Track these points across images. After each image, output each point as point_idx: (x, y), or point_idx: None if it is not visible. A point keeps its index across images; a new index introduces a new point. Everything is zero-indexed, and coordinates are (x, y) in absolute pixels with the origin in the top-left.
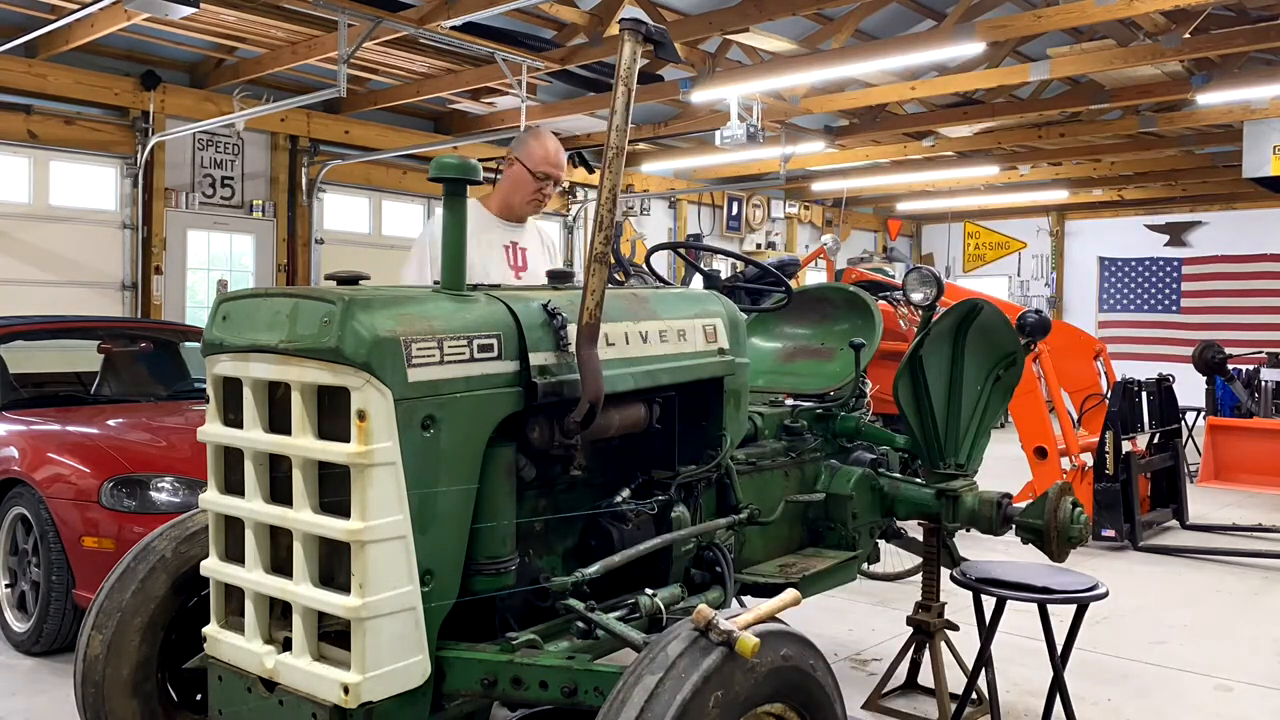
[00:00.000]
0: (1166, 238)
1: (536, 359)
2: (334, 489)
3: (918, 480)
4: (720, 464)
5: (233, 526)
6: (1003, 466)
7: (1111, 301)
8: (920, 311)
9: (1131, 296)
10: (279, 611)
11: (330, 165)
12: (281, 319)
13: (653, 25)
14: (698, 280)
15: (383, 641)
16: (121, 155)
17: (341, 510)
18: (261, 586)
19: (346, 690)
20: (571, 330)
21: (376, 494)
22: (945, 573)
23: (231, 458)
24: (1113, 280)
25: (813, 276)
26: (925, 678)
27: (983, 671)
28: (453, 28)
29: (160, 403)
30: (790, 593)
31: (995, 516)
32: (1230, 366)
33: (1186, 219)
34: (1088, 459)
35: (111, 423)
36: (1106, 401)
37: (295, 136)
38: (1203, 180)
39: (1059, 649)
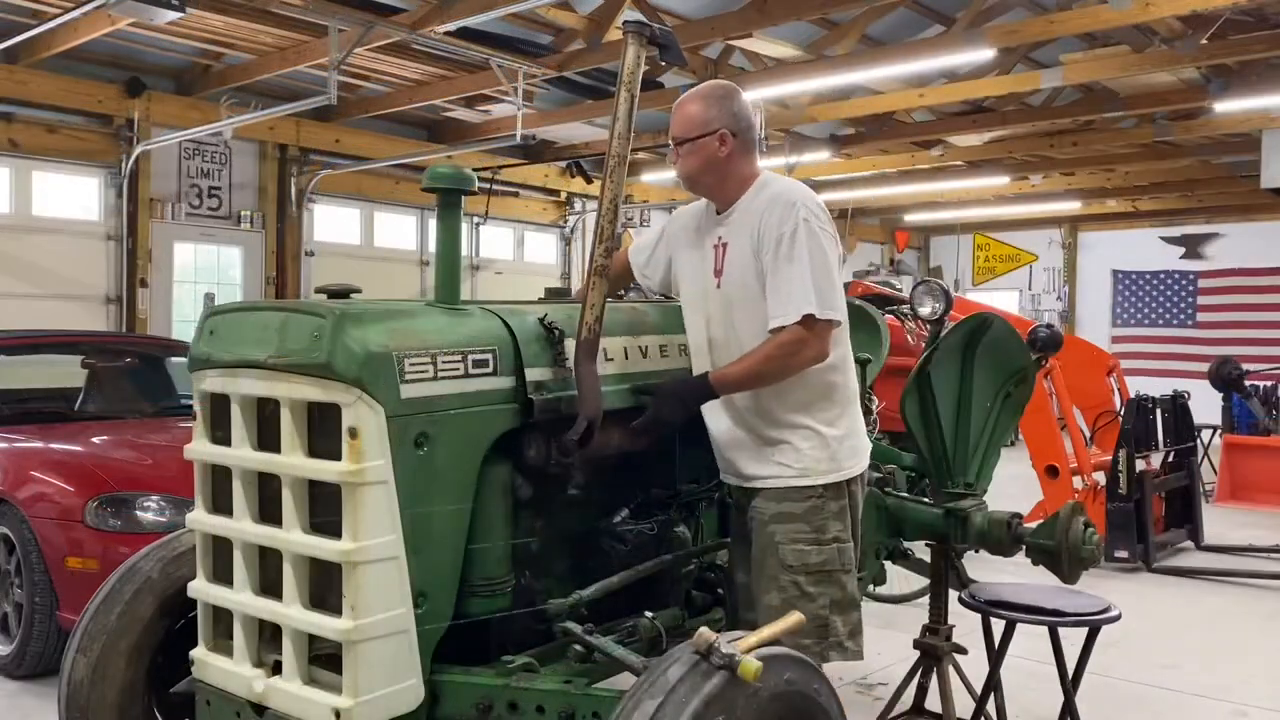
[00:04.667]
0: (1182, 250)
1: (533, 374)
2: (325, 508)
3: (925, 500)
4: (721, 482)
5: (221, 547)
6: (1013, 485)
7: (1125, 316)
8: (928, 326)
9: (1146, 310)
10: (269, 634)
11: (321, 175)
12: (271, 333)
13: (657, 27)
14: None
15: (375, 665)
16: (105, 164)
17: (333, 530)
18: (250, 609)
19: (338, 715)
20: (569, 345)
21: (368, 513)
22: (953, 595)
23: (220, 476)
24: (1127, 294)
25: None
26: (933, 702)
27: (991, 696)
28: (447, 33)
29: (146, 419)
30: (794, 615)
31: (1005, 537)
32: (1247, 383)
33: (1203, 231)
34: (1100, 478)
35: (96, 440)
36: (1120, 419)
37: (285, 145)
38: (1219, 191)
39: (1070, 673)
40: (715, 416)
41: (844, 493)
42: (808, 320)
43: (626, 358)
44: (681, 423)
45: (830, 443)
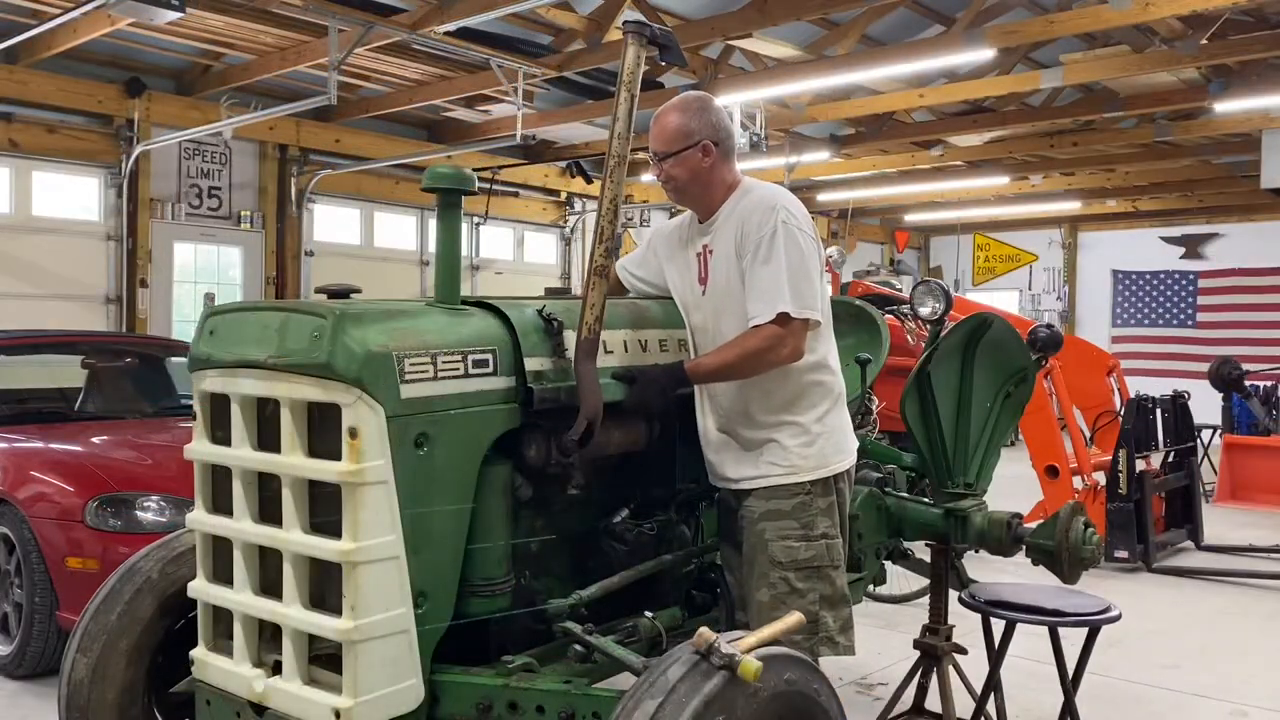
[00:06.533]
0: (1182, 250)
1: (533, 364)
2: (325, 508)
3: (925, 500)
4: None
5: (221, 547)
6: (1013, 486)
7: (1125, 316)
8: (928, 326)
9: (1146, 311)
10: (269, 634)
11: (320, 175)
12: (271, 334)
13: (657, 28)
14: None
15: (375, 665)
16: (105, 164)
17: (333, 530)
18: (250, 609)
19: (338, 715)
20: (569, 336)
21: (368, 514)
22: (953, 595)
23: (219, 476)
24: (1127, 294)
25: None
26: (933, 702)
27: (991, 696)
28: (447, 33)
29: (146, 419)
30: (794, 615)
31: (1005, 537)
32: (1247, 383)
33: (1203, 231)
34: (1100, 478)
35: (96, 440)
36: (1120, 419)
37: (284, 145)
38: (1220, 191)
39: (1070, 673)
40: (704, 420)
41: (831, 489)
42: (783, 318)
43: (626, 351)
44: (661, 407)
45: (817, 439)
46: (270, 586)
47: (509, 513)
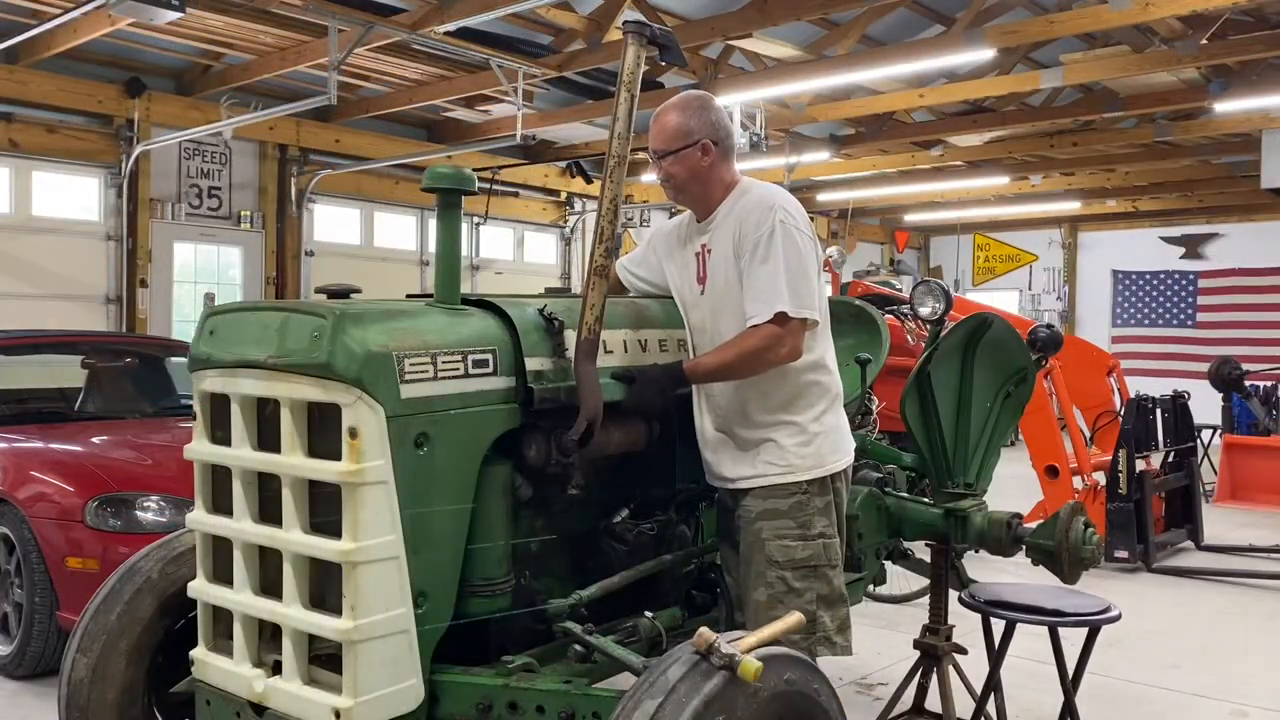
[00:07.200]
0: (1182, 250)
1: (533, 364)
2: (325, 508)
3: (925, 500)
4: None
5: (221, 547)
6: (1013, 486)
7: (1125, 316)
8: (928, 326)
9: (1146, 311)
10: (269, 634)
11: (320, 175)
12: (271, 333)
13: (657, 28)
14: None
15: (375, 665)
16: (105, 164)
17: (333, 530)
18: (250, 609)
19: (338, 715)
20: (569, 335)
21: (368, 514)
22: (953, 595)
23: (219, 476)
24: (1127, 294)
25: None
26: (933, 702)
27: (992, 696)
28: (447, 33)
29: (146, 419)
30: (794, 615)
31: (1005, 537)
32: (1247, 383)
33: (1203, 231)
34: (1100, 478)
35: (96, 440)
36: (1120, 419)
37: (284, 145)
38: (1219, 191)
39: (1070, 673)
40: (701, 420)
41: (829, 488)
42: (781, 318)
43: (626, 351)
44: (660, 407)
45: (814, 439)
46: (270, 586)
47: (509, 513)
